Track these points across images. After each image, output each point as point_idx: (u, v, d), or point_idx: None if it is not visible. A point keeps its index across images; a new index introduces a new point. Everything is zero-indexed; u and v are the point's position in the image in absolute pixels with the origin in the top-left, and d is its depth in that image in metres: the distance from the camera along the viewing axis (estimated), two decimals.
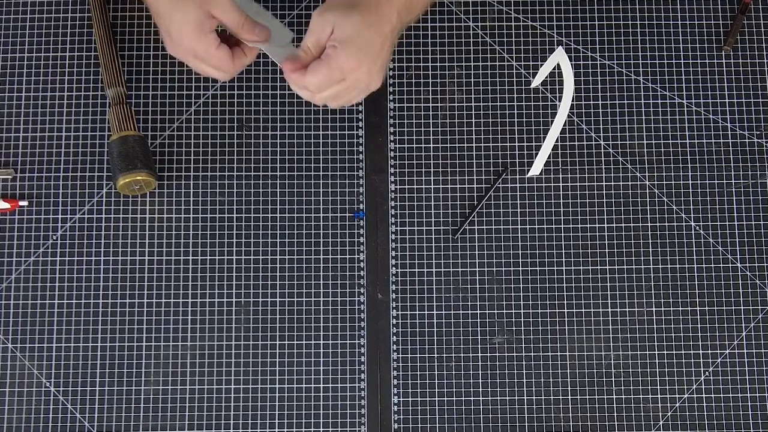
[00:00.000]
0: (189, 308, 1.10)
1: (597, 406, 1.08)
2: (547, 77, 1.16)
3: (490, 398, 1.08)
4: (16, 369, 1.08)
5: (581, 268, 1.11)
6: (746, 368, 1.09)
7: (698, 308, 1.10)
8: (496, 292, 1.11)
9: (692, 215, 1.12)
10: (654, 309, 1.10)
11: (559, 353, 1.09)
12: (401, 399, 1.08)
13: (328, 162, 1.13)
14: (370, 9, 0.96)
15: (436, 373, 1.09)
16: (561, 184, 1.13)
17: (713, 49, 1.16)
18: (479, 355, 1.09)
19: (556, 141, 1.14)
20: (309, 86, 0.97)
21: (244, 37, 0.98)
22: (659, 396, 1.08)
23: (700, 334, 1.10)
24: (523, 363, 1.09)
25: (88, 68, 1.15)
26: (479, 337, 1.10)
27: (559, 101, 1.15)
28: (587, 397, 1.08)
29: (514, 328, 1.10)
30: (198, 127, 1.14)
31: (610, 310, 1.10)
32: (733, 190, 1.13)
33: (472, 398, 1.08)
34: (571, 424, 1.08)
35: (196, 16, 0.96)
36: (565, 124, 1.15)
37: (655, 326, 1.10)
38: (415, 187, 1.13)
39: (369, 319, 1.10)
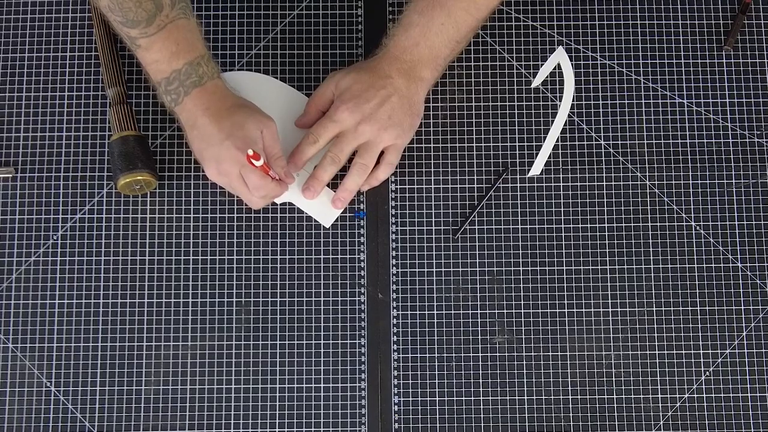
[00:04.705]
0: (189, 308, 1.10)
1: (597, 406, 1.08)
2: (547, 77, 1.16)
3: (490, 398, 1.08)
4: (17, 369, 1.08)
5: (581, 267, 1.11)
6: (746, 368, 1.09)
7: (698, 308, 1.10)
8: (496, 292, 1.11)
9: (692, 215, 1.12)
10: (654, 309, 1.10)
11: (559, 353, 1.09)
12: (401, 399, 1.08)
13: None
14: (366, 69, 1.08)
15: (436, 373, 1.09)
16: (561, 184, 1.13)
17: (713, 49, 1.16)
18: (479, 355, 1.09)
19: (557, 141, 1.14)
20: (312, 133, 1.07)
21: (278, 171, 1.05)
22: (659, 396, 1.08)
23: (700, 334, 1.10)
24: (523, 363, 1.09)
25: (88, 68, 1.15)
26: (479, 337, 1.10)
27: (560, 101, 1.15)
28: (587, 397, 1.08)
29: (514, 328, 1.10)
30: None
31: (610, 309, 1.10)
32: (734, 190, 1.13)
33: (472, 398, 1.08)
34: (571, 423, 1.08)
35: (255, 135, 1.03)
36: (565, 124, 1.15)
37: (655, 326, 1.10)
38: (415, 187, 1.13)
39: (369, 319, 1.10)
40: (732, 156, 1.14)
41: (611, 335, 1.10)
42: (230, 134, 1.01)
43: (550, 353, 1.09)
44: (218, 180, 1.05)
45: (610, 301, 1.10)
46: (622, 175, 1.13)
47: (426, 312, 1.10)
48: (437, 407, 1.08)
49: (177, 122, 1.09)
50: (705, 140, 1.14)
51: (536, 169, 1.13)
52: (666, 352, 1.09)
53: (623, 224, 1.12)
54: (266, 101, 1.12)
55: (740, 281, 1.11)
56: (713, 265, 1.11)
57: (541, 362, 1.09)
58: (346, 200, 1.10)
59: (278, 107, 1.12)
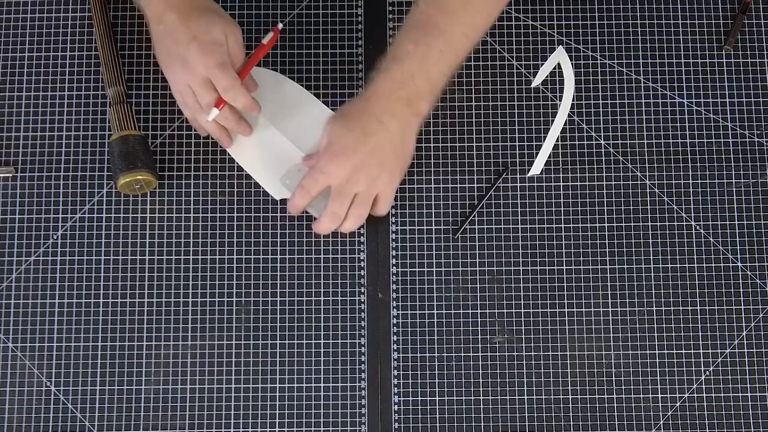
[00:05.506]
0: (189, 308, 1.10)
1: (597, 406, 1.08)
2: (547, 77, 1.16)
3: (490, 398, 1.08)
4: (17, 368, 1.08)
5: (581, 267, 1.11)
6: (746, 368, 1.09)
7: (698, 308, 1.10)
8: (496, 291, 1.11)
9: (692, 215, 1.12)
10: (654, 308, 1.10)
11: (559, 353, 1.09)
12: (401, 399, 1.08)
13: None
14: (356, 115, 1.04)
15: (436, 373, 1.09)
16: (561, 184, 1.13)
17: (713, 49, 1.16)
18: (479, 354, 1.09)
19: (557, 140, 1.14)
20: (303, 187, 1.05)
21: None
22: (659, 396, 1.08)
23: (700, 334, 1.10)
24: (523, 362, 1.09)
25: (88, 68, 1.15)
26: (479, 337, 1.10)
27: (560, 101, 1.15)
28: (587, 396, 1.08)
29: (514, 328, 1.10)
30: None
31: (610, 309, 1.10)
32: (733, 189, 1.13)
33: (472, 398, 1.08)
34: (571, 423, 1.08)
35: (221, 39, 1.02)
36: (565, 124, 1.15)
37: (655, 326, 1.10)
38: (415, 187, 1.13)
39: (369, 319, 1.10)
40: (732, 156, 1.14)
41: (611, 335, 1.10)
42: (197, 36, 1.00)
43: (550, 353, 1.09)
44: (178, 81, 1.03)
45: (610, 301, 1.10)
46: (622, 175, 1.13)
47: (426, 312, 1.10)
48: (437, 407, 1.08)
49: (144, 19, 1.07)
50: (705, 140, 1.14)
51: (536, 169, 1.13)
52: (666, 352, 1.09)
53: (623, 224, 1.12)
54: (285, 104, 1.12)
55: (740, 281, 1.11)
56: (713, 265, 1.11)
57: (541, 362, 1.09)
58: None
59: (295, 111, 1.13)
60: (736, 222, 1.12)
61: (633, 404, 1.08)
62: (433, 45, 1.02)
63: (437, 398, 1.08)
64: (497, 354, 1.09)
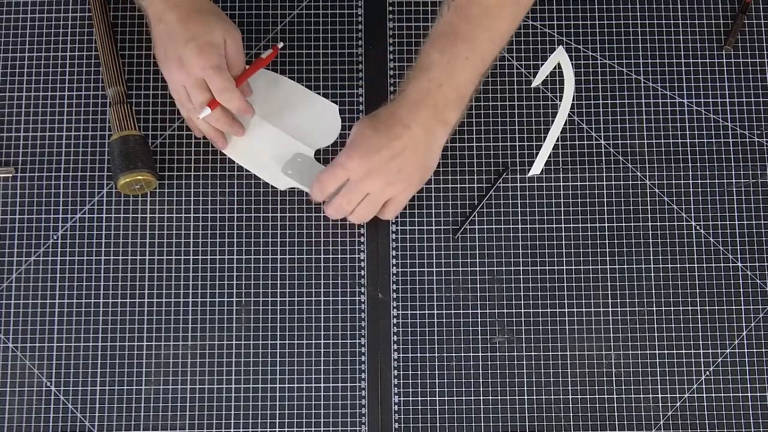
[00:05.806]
0: (189, 308, 1.10)
1: (597, 406, 1.08)
2: (547, 77, 1.16)
3: (490, 398, 1.08)
4: (17, 368, 1.08)
5: (581, 267, 1.11)
6: (746, 368, 1.09)
7: (698, 308, 1.10)
8: (497, 292, 1.11)
9: (692, 215, 1.12)
10: (654, 308, 1.10)
11: (559, 353, 1.09)
12: (401, 399, 1.08)
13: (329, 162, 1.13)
14: (383, 116, 1.03)
15: (436, 373, 1.09)
16: (561, 184, 1.13)
17: (713, 49, 1.16)
18: (479, 354, 1.09)
19: (557, 141, 1.14)
20: (320, 181, 1.05)
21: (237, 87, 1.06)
22: (659, 396, 1.08)
23: (700, 334, 1.10)
24: (524, 363, 1.09)
25: (88, 68, 1.15)
26: (479, 337, 1.10)
27: (560, 101, 1.15)
28: (587, 396, 1.08)
29: (514, 328, 1.10)
30: None
31: (610, 309, 1.10)
32: (734, 189, 1.13)
33: (472, 398, 1.08)
34: (571, 423, 1.08)
35: (219, 42, 1.02)
36: (565, 124, 1.15)
37: (655, 326, 1.10)
38: None
39: (369, 319, 1.10)
40: (732, 156, 1.14)
41: (611, 335, 1.10)
42: (195, 36, 1.01)
43: (550, 353, 1.09)
44: (174, 80, 1.04)
45: (610, 301, 1.10)
46: (622, 175, 1.13)
47: (426, 312, 1.10)
48: (437, 407, 1.08)
49: (145, 19, 1.08)
50: (705, 140, 1.14)
51: (536, 169, 1.13)
52: (666, 352, 1.09)
53: (623, 224, 1.12)
54: (279, 101, 1.13)
55: (740, 281, 1.11)
56: (713, 265, 1.11)
57: (541, 362, 1.09)
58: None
59: (290, 105, 1.13)
60: (736, 222, 1.12)
61: (633, 404, 1.08)
62: (459, 53, 1.02)
63: (437, 398, 1.08)
64: (497, 354, 1.09)
